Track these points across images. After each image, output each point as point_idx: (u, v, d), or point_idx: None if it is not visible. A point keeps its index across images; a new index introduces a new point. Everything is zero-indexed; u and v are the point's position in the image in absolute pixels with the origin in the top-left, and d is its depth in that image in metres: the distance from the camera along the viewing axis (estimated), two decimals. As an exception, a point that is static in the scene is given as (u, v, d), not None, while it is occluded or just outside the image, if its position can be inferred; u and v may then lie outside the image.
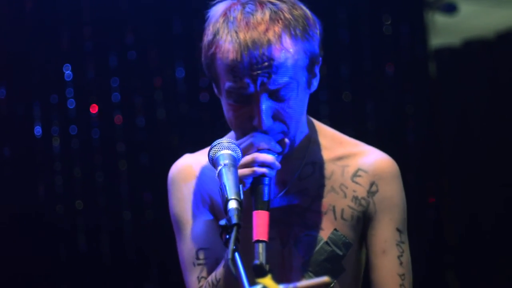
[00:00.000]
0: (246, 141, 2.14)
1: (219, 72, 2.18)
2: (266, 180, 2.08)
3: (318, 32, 2.21)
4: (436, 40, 5.53)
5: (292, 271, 2.25)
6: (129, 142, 4.57)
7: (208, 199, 2.29)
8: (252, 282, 1.64)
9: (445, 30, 5.72)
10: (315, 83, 2.24)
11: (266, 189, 2.07)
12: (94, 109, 4.55)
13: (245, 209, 2.00)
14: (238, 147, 2.09)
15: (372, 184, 2.29)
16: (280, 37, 2.12)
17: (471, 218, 5.82)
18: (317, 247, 2.23)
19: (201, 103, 4.60)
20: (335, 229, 2.25)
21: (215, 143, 2.09)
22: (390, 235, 2.27)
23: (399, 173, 2.32)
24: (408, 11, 5.12)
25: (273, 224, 2.08)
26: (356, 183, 2.28)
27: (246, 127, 2.16)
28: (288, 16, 2.15)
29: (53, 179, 4.51)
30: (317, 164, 2.29)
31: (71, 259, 4.48)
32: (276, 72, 2.11)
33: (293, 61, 2.13)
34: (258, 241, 1.95)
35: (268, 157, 2.10)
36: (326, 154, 2.30)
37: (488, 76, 5.80)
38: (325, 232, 2.24)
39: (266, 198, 2.05)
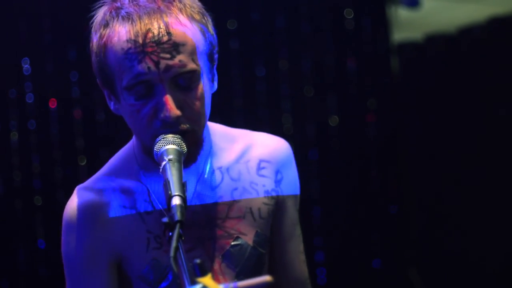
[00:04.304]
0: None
1: (113, 68, 1.98)
2: None
3: (212, 27, 2.05)
4: (399, 35, 5.54)
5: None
6: (89, 137, 4.53)
7: (114, 244, 2.12)
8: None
9: (408, 25, 5.73)
10: (216, 83, 2.11)
11: None
12: (53, 103, 4.51)
13: None
14: (183, 142, 1.96)
15: (277, 172, 2.21)
16: (175, 14, 1.97)
17: (433, 213, 5.84)
18: (246, 255, 2.15)
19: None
20: (257, 231, 2.17)
21: (159, 137, 1.96)
22: (295, 218, 2.24)
23: (292, 152, 2.27)
24: (371, 5, 5.11)
25: (197, 242, 2.06)
26: (263, 176, 2.20)
27: (154, 126, 1.99)
28: (183, 1, 2.01)
29: (11, 175, 4.46)
30: (223, 168, 2.17)
31: (29, 255, 4.44)
32: (177, 49, 1.95)
33: (193, 40, 1.98)
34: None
35: None
36: (228, 155, 2.18)
37: (450, 71, 5.82)
38: (249, 237, 2.15)
39: None
